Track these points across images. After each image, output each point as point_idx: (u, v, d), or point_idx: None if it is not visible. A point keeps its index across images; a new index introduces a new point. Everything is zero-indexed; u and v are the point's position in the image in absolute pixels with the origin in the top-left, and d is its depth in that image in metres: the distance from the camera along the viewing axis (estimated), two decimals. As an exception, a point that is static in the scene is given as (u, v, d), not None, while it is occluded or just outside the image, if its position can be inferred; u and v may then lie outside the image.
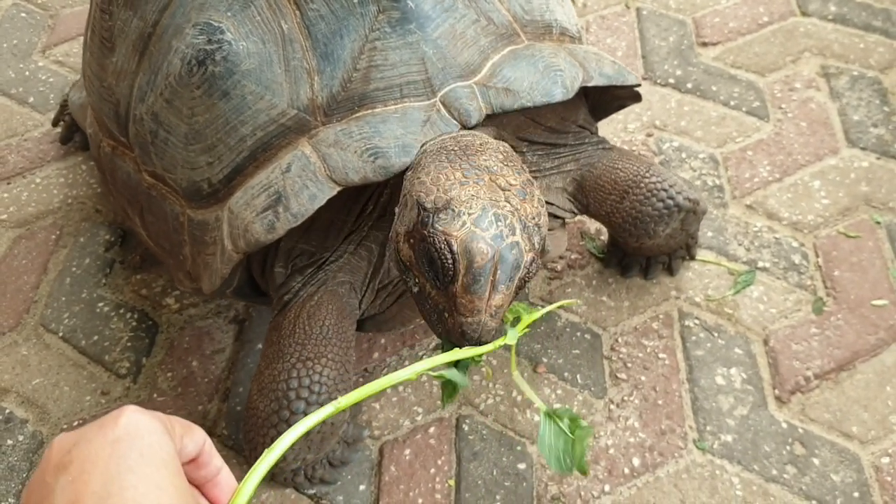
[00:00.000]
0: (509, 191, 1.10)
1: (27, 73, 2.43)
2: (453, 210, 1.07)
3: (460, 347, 1.07)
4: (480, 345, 1.06)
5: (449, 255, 1.05)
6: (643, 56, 2.33)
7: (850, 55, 2.28)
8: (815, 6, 2.43)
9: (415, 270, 1.12)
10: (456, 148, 1.19)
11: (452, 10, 1.35)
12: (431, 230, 1.07)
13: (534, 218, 1.10)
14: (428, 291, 1.11)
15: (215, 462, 0.79)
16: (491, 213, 1.06)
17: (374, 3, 1.31)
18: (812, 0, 2.45)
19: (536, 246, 1.10)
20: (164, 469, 0.69)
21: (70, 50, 2.50)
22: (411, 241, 1.12)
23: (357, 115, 1.31)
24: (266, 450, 0.79)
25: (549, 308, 1.18)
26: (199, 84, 1.34)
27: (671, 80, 2.25)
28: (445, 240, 1.05)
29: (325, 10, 1.31)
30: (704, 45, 2.35)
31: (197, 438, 0.76)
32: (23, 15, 2.62)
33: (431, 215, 1.08)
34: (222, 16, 1.34)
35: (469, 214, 1.06)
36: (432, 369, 0.98)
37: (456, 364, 1.06)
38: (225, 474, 0.80)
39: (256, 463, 0.78)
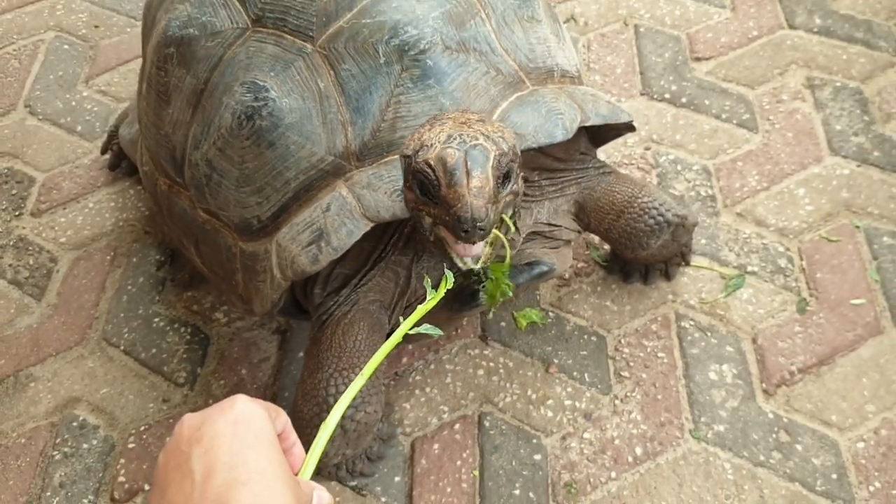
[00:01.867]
0: (468, 122, 1.31)
1: (73, 102, 2.60)
2: (426, 145, 1.28)
3: (463, 240, 1.26)
4: (476, 225, 1.23)
5: (430, 171, 1.26)
6: (641, 72, 2.49)
7: (834, 66, 2.42)
8: (802, 19, 2.56)
9: (419, 205, 1.32)
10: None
11: (465, 65, 1.53)
12: (415, 164, 1.28)
13: (495, 132, 1.30)
14: (433, 214, 1.30)
15: (292, 437, 0.99)
16: (455, 135, 1.28)
17: (398, 63, 1.50)
18: (799, 13, 2.58)
19: (504, 148, 1.29)
20: (273, 448, 0.88)
21: (111, 80, 2.67)
22: (408, 185, 1.33)
23: (386, 159, 1.51)
24: (322, 423, 1.00)
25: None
26: (249, 136, 1.53)
27: (667, 95, 2.41)
28: (425, 163, 1.27)
29: (356, 70, 1.50)
30: (698, 59, 2.50)
31: (282, 419, 0.97)
32: (65, 47, 2.79)
33: (413, 157, 1.30)
34: (266, 76, 1.53)
35: (438, 142, 1.28)
36: (410, 329, 1.14)
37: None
38: (298, 445, 1.00)
39: (318, 434, 0.99)
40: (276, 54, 1.53)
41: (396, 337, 1.11)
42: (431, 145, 1.27)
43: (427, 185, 1.27)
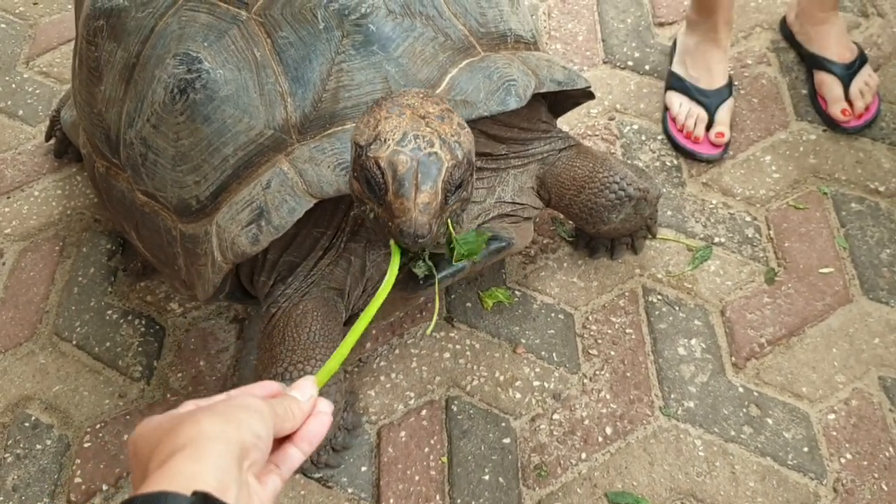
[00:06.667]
0: (428, 118, 1.25)
1: (13, 85, 2.48)
2: (380, 139, 1.22)
3: (402, 246, 1.24)
4: (418, 241, 1.21)
5: (378, 173, 1.21)
6: (603, 39, 2.41)
7: (800, 29, 2.36)
8: (766, -21, 2.49)
9: (364, 199, 1.28)
10: (384, 96, 1.34)
11: (411, 30, 1.45)
12: (365, 159, 1.23)
13: (453, 136, 1.25)
14: (376, 213, 1.26)
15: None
16: (411, 135, 1.22)
17: (338, 29, 1.42)
18: (763, -27, 2.52)
19: (459, 157, 1.24)
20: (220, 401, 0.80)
21: (53, 60, 2.54)
22: (355, 175, 1.27)
23: (328, 132, 1.43)
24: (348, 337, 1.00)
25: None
26: (183, 110, 1.45)
27: (630, 63, 2.34)
28: (375, 162, 1.21)
29: (294, 38, 1.42)
30: (661, 24, 2.43)
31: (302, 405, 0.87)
32: (2, 26, 2.66)
33: (364, 149, 1.23)
34: (199, 46, 1.44)
35: (392, 139, 1.22)
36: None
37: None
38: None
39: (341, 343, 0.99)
40: (210, 23, 1.45)
41: (357, 332, 1.04)
42: (385, 142, 1.22)
43: (374, 185, 1.23)
